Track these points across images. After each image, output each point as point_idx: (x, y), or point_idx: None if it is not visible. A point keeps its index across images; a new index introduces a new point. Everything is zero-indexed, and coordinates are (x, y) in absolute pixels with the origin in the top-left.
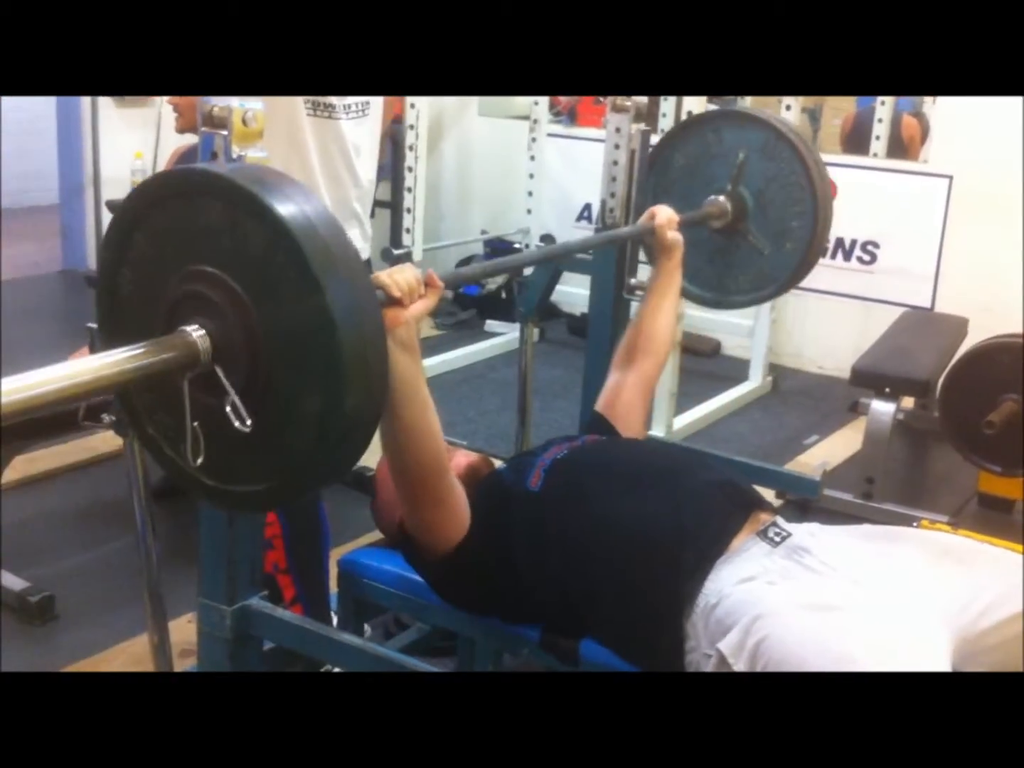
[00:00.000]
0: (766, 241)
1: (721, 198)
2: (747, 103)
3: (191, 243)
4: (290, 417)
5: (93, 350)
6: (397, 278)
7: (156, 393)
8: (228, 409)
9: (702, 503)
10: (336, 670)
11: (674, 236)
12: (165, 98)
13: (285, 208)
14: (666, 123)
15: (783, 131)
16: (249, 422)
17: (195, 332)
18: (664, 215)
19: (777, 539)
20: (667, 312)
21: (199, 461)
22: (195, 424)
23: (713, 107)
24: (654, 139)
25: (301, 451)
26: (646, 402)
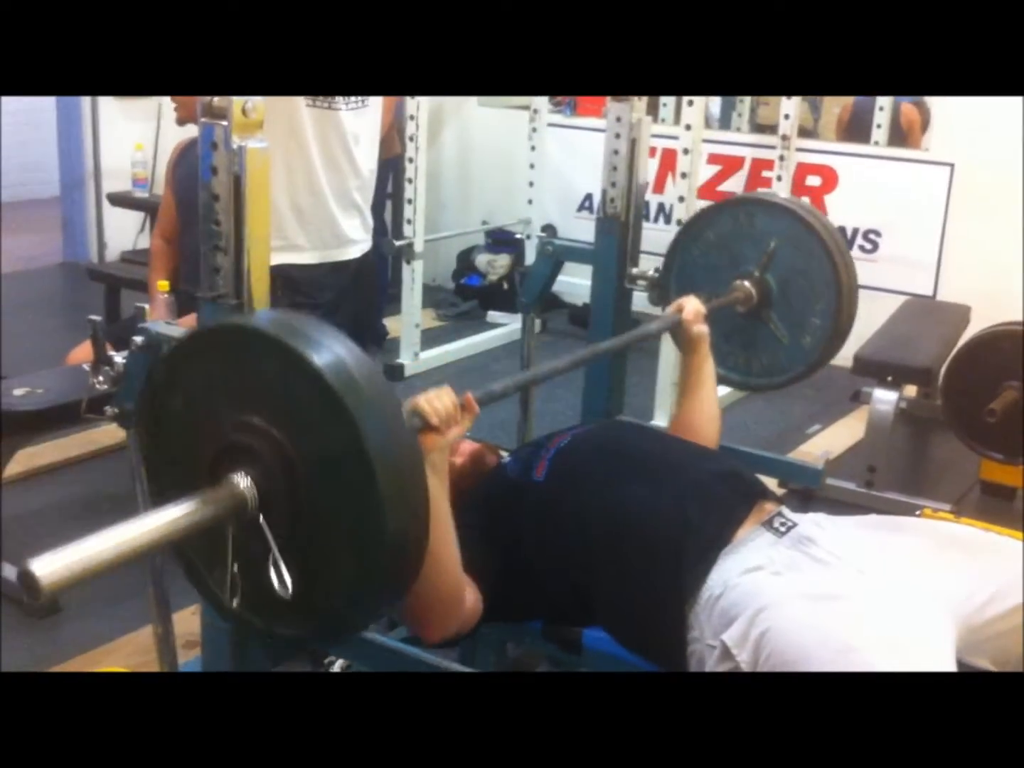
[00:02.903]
0: (785, 331)
1: (747, 283)
2: (746, 102)
3: (233, 392)
4: (331, 559)
5: (95, 343)
6: (436, 406)
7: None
8: (270, 567)
9: (706, 493)
10: (340, 660)
11: (700, 329)
12: None
13: (321, 357)
14: (667, 112)
15: (817, 228)
16: (289, 586)
17: (242, 481)
18: (691, 309)
19: (782, 529)
20: (707, 407)
21: (235, 603)
22: (235, 568)
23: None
24: (654, 129)
25: (341, 594)
26: None
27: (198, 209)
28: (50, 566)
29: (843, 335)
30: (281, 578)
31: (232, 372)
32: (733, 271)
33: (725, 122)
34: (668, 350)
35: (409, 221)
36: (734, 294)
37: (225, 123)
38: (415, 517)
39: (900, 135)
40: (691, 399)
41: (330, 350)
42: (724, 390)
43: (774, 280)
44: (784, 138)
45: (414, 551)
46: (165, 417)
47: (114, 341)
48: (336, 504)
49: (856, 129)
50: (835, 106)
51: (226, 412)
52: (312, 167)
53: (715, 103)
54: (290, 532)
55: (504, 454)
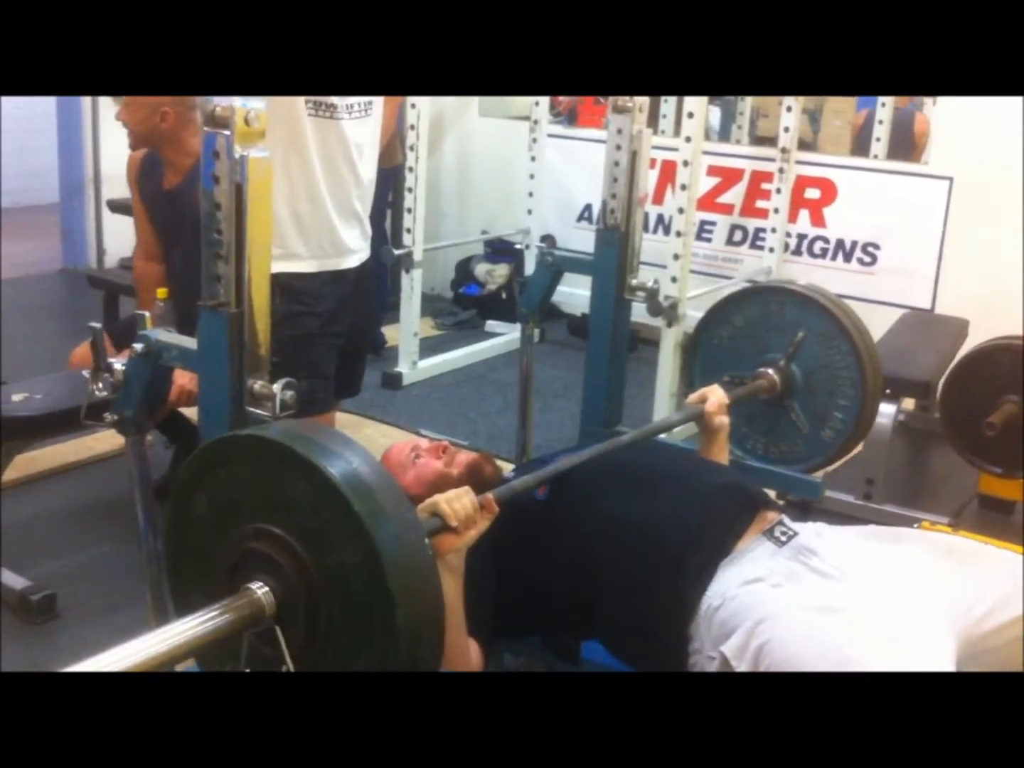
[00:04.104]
0: (806, 421)
1: (772, 371)
2: (747, 104)
3: (249, 502)
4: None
5: (95, 349)
6: (456, 507)
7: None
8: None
9: (707, 505)
10: None
11: (721, 421)
12: (116, 112)
13: (335, 467)
14: (667, 124)
15: (847, 327)
16: None
17: (259, 590)
18: (715, 400)
19: (783, 539)
20: None
21: None
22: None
23: (714, 108)
24: (654, 140)
25: None
26: None
27: (183, 224)
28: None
29: (864, 432)
30: None
31: (252, 480)
32: (759, 358)
33: (725, 134)
34: (667, 360)
35: (408, 230)
36: (758, 382)
37: (227, 132)
38: (428, 645)
39: (911, 145)
40: None
41: (346, 460)
42: None
43: (799, 371)
44: (784, 151)
45: (425, 667)
46: (188, 519)
47: (114, 339)
48: (351, 619)
49: (869, 137)
50: (835, 119)
51: (246, 519)
52: (313, 176)
53: (715, 115)
54: (307, 643)
55: (508, 469)
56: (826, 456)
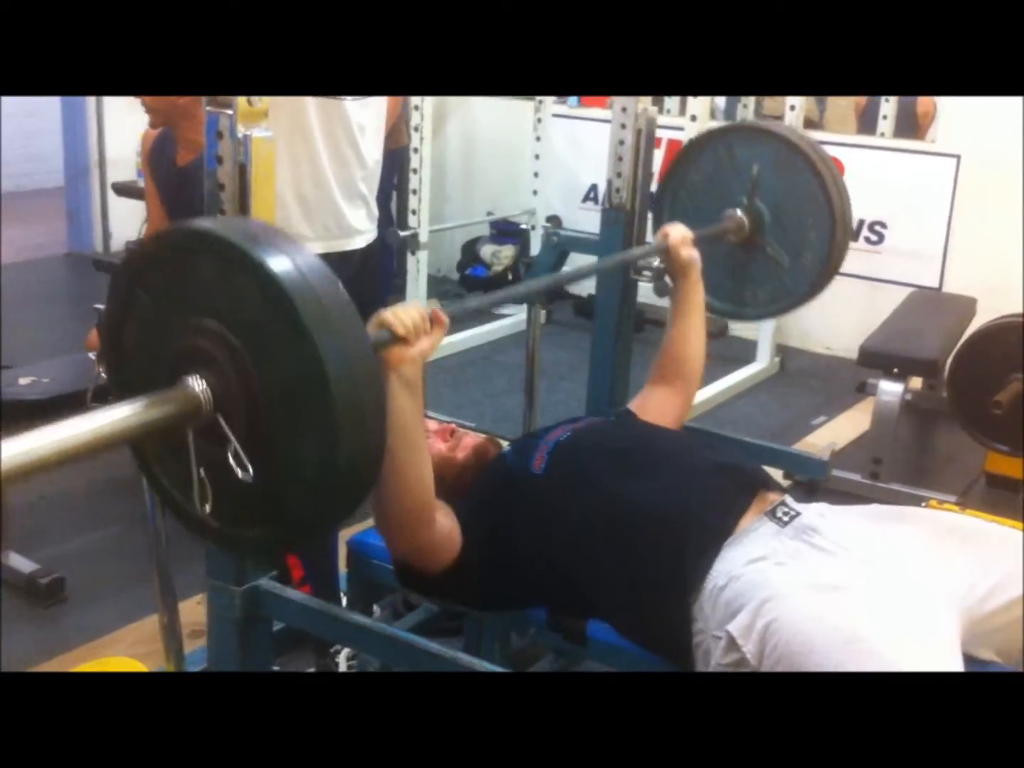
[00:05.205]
0: (785, 254)
1: (738, 212)
2: (751, 100)
3: (190, 298)
4: (290, 465)
5: (101, 332)
6: (402, 316)
7: (164, 441)
8: (230, 457)
9: (708, 484)
10: (345, 650)
11: (689, 254)
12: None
13: (276, 262)
14: (671, 103)
15: (795, 142)
16: (251, 470)
17: (197, 384)
18: (677, 233)
19: (786, 519)
20: (694, 333)
21: (207, 508)
22: (201, 472)
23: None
24: (660, 120)
25: (300, 499)
26: (679, 419)
27: (194, 203)
28: None
29: (843, 245)
30: (242, 464)
31: (189, 277)
32: (724, 207)
33: (731, 113)
34: None
35: (414, 212)
36: (724, 223)
37: (230, 112)
38: (368, 448)
39: (914, 124)
40: (679, 328)
41: (288, 256)
42: (727, 383)
43: (764, 206)
44: None
45: (369, 462)
46: (129, 324)
47: None
48: (292, 409)
49: (873, 117)
50: (840, 99)
51: (184, 318)
52: (317, 157)
53: None
54: (248, 435)
55: (504, 444)
56: (812, 281)
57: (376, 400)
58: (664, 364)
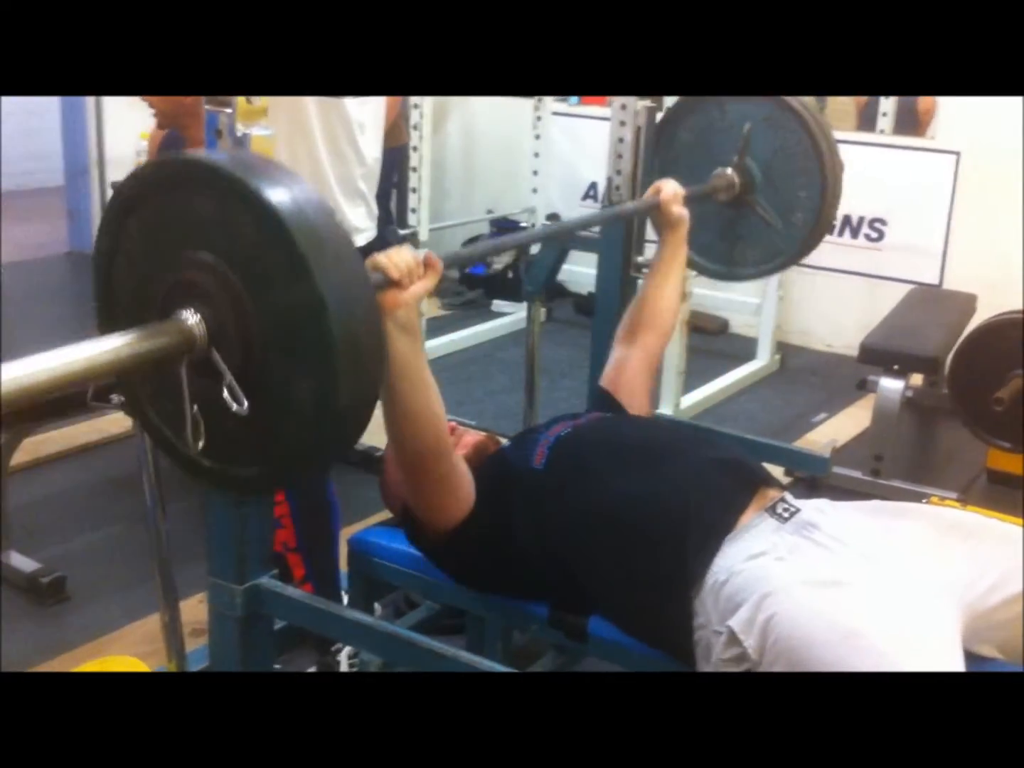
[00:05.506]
0: (775, 213)
1: (728, 170)
2: None
3: (183, 230)
4: (285, 401)
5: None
6: (395, 259)
7: (156, 379)
8: (225, 391)
9: (708, 481)
10: (346, 648)
11: (679, 211)
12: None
13: (273, 194)
14: (671, 100)
15: (787, 101)
16: (246, 404)
17: (191, 317)
18: (669, 189)
19: (786, 515)
20: (672, 287)
21: (200, 445)
22: (195, 408)
23: None
24: (660, 116)
25: (296, 435)
26: (651, 377)
27: None
28: None
29: (832, 203)
30: (236, 397)
31: (184, 209)
32: (715, 166)
33: None
34: (673, 339)
35: (414, 210)
36: (714, 181)
37: (229, 110)
38: (366, 385)
39: (916, 121)
40: (659, 282)
41: (285, 187)
42: (728, 380)
43: (755, 164)
44: None
45: (366, 396)
46: (119, 258)
47: None
48: (288, 344)
49: (874, 113)
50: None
51: (178, 250)
52: (316, 155)
53: None
54: (243, 370)
55: (503, 440)
56: (803, 241)
57: (375, 335)
58: (638, 316)
